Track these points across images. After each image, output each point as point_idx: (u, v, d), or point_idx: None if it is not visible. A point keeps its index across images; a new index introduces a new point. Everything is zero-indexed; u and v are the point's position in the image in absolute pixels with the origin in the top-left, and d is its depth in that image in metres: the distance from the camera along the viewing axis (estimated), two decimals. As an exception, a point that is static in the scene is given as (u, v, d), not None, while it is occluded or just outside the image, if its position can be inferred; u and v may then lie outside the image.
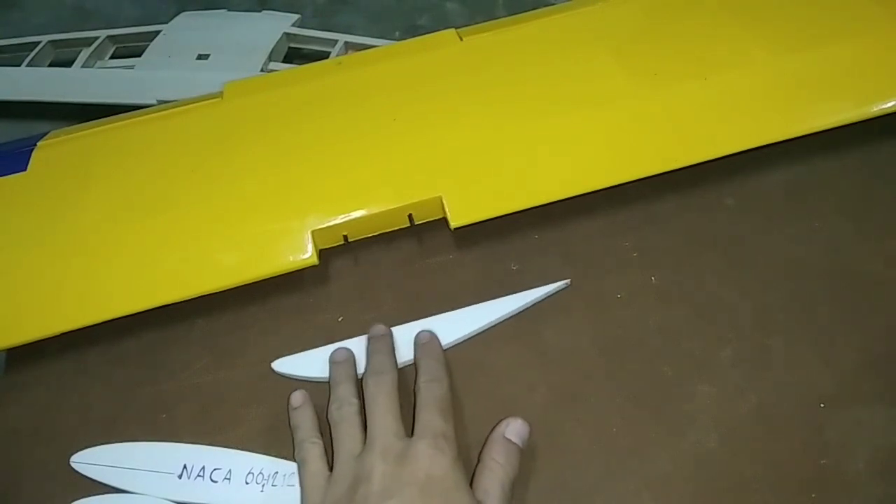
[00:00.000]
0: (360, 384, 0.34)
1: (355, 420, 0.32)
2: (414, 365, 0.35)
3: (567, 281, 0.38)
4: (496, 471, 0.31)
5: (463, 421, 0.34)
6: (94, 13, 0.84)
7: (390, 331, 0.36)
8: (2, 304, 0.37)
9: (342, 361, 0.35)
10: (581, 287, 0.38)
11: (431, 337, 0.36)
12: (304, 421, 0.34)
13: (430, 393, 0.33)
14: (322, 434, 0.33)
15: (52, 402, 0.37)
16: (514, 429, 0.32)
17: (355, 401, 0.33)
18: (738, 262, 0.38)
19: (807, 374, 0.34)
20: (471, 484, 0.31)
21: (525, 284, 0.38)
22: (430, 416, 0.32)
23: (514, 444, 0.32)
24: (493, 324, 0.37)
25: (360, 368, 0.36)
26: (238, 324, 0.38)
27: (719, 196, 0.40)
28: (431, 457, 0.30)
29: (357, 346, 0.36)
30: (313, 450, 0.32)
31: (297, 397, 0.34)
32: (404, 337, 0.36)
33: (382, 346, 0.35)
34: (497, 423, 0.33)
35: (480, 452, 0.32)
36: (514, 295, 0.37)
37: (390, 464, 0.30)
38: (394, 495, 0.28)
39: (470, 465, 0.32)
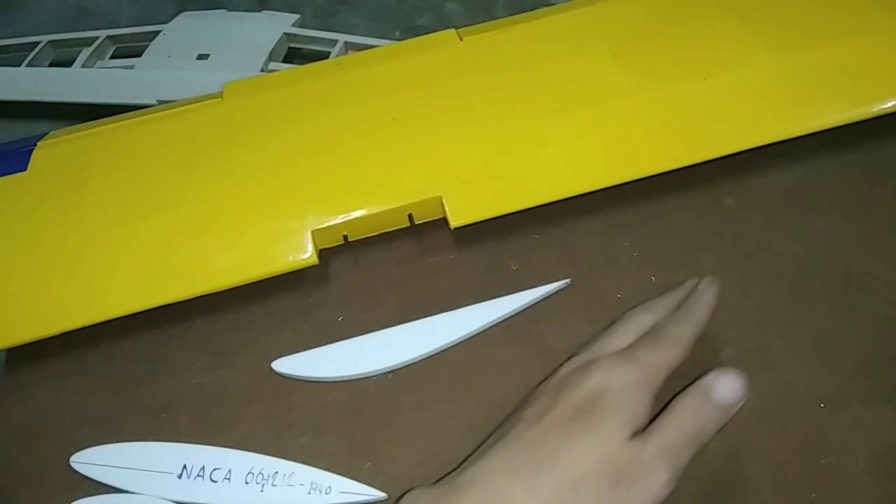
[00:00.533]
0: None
1: (627, 336, 0.30)
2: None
3: (567, 280, 0.38)
4: (696, 434, 0.27)
5: (461, 422, 0.34)
6: (94, 13, 0.84)
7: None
8: (2, 304, 0.37)
9: None
10: (581, 287, 0.38)
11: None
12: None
13: (672, 330, 0.30)
14: None
15: (52, 402, 0.37)
16: (727, 390, 0.28)
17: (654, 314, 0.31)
18: (738, 262, 0.38)
19: (807, 374, 0.34)
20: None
21: (525, 284, 0.38)
22: (647, 343, 0.29)
23: (721, 409, 0.27)
24: (493, 324, 0.37)
25: (364, 367, 0.36)
26: (238, 324, 0.38)
27: (719, 196, 0.40)
28: (607, 368, 0.27)
29: (357, 345, 0.36)
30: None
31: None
32: (404, 336, 0.36)
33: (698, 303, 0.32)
34: (709, 374, 0.28)
35: (676, 404, 0.28)
36: (514, 294, 0.37)
37: (571, 370, 0.28)
38: (553, 403, 0.27)
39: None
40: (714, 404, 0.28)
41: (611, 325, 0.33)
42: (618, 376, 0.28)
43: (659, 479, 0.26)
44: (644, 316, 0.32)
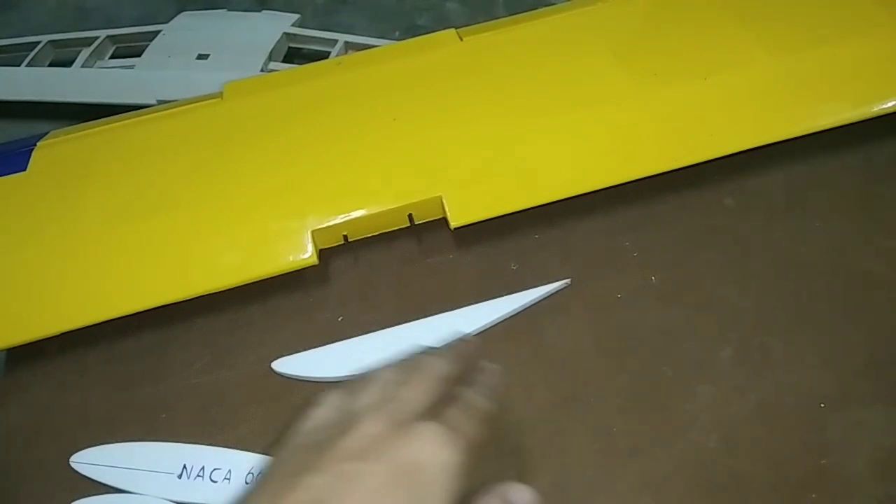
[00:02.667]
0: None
1: (387, 386, 0.28)
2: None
3: (567, 280, 0.38)
4: None
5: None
6: (94, 13, 0.84)
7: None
8: (2, 304, 0.37)
9: None
10: (581, 287, 0.38)
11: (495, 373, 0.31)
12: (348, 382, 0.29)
13: (474, 397, 0.28)
14: None
15: (52, 402, 0.37)
16: (524, 500, 0.27)
17: (397, 374, 0.29)
18: (738, 262, 0.38)
19: (807, 374, 0.34)
20: None
21: (525, 284, 0.38)
22: (460, 414, 0.27)
23: None
24: (493, 323, 0.37)
25: (356, 365, 0.36)
26: (238, 324, 0.38)
27: (719, 196, 0.40)
28: (432, 445, 0.25)
29: (357, 345, 0.36)
30: (334, 397, 0.28)
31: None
32: (404, 336, 0.36)
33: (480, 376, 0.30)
34: (506, 484, 0.28)
35: (477, 495, 0.27)
36: (514, 294, 0.37)
37: (384, 430, 0.25)
38: (363, 460, 0.24)
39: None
40: None
41: (406, 367, 0.29)
42: (441, 455, 0.25)
43: None
44: (443, 367, 0.29)
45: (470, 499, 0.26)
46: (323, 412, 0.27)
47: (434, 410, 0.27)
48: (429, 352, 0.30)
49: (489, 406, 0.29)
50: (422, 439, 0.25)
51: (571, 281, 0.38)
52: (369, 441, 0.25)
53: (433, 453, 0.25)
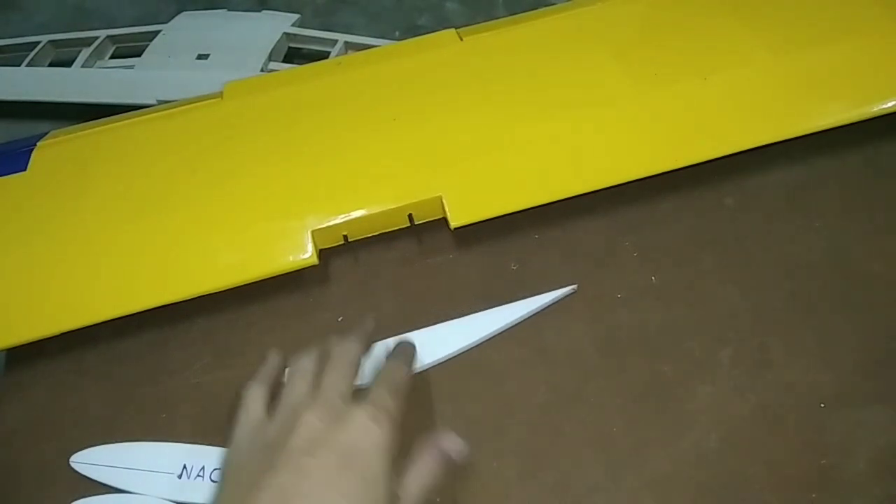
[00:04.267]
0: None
1: (308, 376, 0.31)
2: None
3: (574, 287, 0.37)
4: (426, 476, 0.29)
5: (462, 421, 0.34)
6: (94, 13, 0.84)
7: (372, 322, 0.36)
8: (2, 304, 0.37)
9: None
10: (581, 287, 0.38)
11: (411, 346, 0.35)
12: (263, 368, 0.34)
13: (391, 373, 0.32)
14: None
15: (52, 402, 0.37)
16: (455, 445, 0.31)
17: (314, 363, 0.32)
18: (738, 262, 0.38)
19: (807, 374, 0.34)
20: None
21: (525, 284, 0.38)
22: (381, 392, 0.30)
23: (450, 457, 0.30)
24: (498, 331, 0.37)
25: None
26: (238, 324, 0.38)
27: (719, 196, 0.40)
28: (365, 427, 0.28)
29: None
30: (257, 391, 0.32)
31: (273, 353, 0.35)
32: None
33: (358, 328, 0.35)
34: (435, 434, 0.31)
35: (413, 451, 0.30)
36: (520, 301, 0.37)
37: (323, 422, 0.28)
38: (314, 454, 0.27)
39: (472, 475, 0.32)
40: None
41: (320, 355, 0.33)
42: (374, 436, 0.28)
43: None
44: (353, 348, 0.33)
45: (408, 455, 0.30)
46: (258, 408, 0.31)
47: (359, 392, 0.30)
48: (338, 338, 0.34)
49: (407, 376, 0.32)
50: (356, 424, 0.28)
51: (573, 286, 0.38)
52: (313, 434, 0.28)
53: (368, 436, 0.28)
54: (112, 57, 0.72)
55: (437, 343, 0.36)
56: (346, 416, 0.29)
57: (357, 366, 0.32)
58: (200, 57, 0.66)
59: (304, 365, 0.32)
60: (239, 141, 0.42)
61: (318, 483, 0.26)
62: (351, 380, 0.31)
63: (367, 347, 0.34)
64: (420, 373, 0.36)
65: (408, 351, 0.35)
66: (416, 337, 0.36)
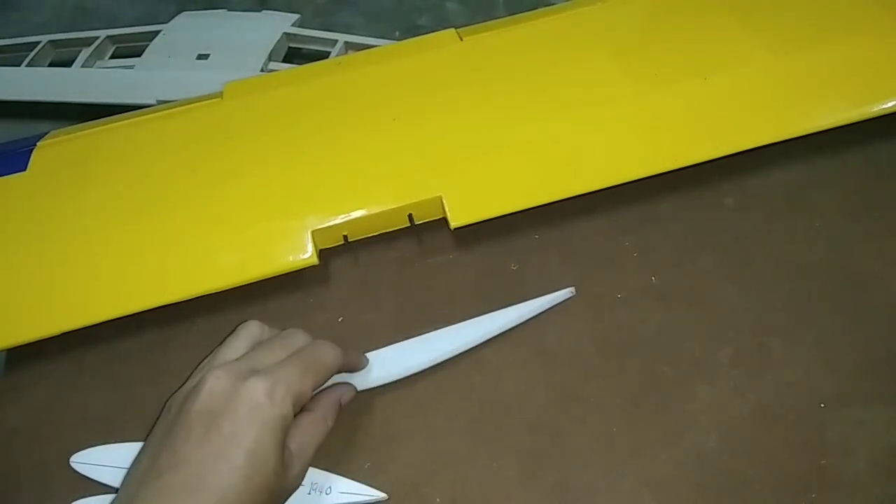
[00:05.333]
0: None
1: (243, 344, 0.32)
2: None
3: (572, 289, 0.37)
4: (320, 430, 0.31)
5: (462, 421, 0.34)
6: (94, 13, 0.84)
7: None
8: (2, 304, 0.37)
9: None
10: (581, 287, 0.38)
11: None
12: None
13: (311, 352, 0.32)
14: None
15: (51, 402, 0.37)
16: (349, 396, 0.33)
17: (259, 331, 0.33)
18: (738, 262, 0.38)
19: (807, 374, 0.34)
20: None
21: (525, 284, 0.38)
22: (290, 367, 0.31)
23: (341, 408, 0.33)
24: (497, 333, 0.37)
25: (365, 381, 0.36)
26: (238, 324, 0.38)
27: (719, 196, 0.40)
28: (258, 400, 0.29)
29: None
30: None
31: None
32: (407, 353, 0.36)
33: (352, 350, 0.35)
34: (332, 386, 0.33)
35: (308, 404, 0.32)
36: (519, 305, 0.37)
37: (223, 389, 0.29)
38: (205, 424, 0.28)
39: (469, 480, 0.32)
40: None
41: (277, 335, 0.33)
42: (266, 404, 0.29)
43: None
44: (300, 339, 0.33)
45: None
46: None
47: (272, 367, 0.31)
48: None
49: (330, 359, 0.32)
50: (251, 396, 0.29)
51: (575, 287, 0.38)
52: (211, 402, 0.29)
53: (259, 410, 0.29)
54: (112, 57, 0.72)
55: (434, 348, 0.36)
56: (244, 387, 0.29)
57: (290, 350, 0.32)
58: (200, 57, 0.67)
59: (251, 330, 0.33)
60: (239, 141, 0.42)
61: (208, 454, 0.28)
62: (277, 357, 0.31)
63: (338, 364, 0.33)
64: (419, 373, 0.36)
65: (336, 361, 0.33)
66: (417, 341, 0.36)
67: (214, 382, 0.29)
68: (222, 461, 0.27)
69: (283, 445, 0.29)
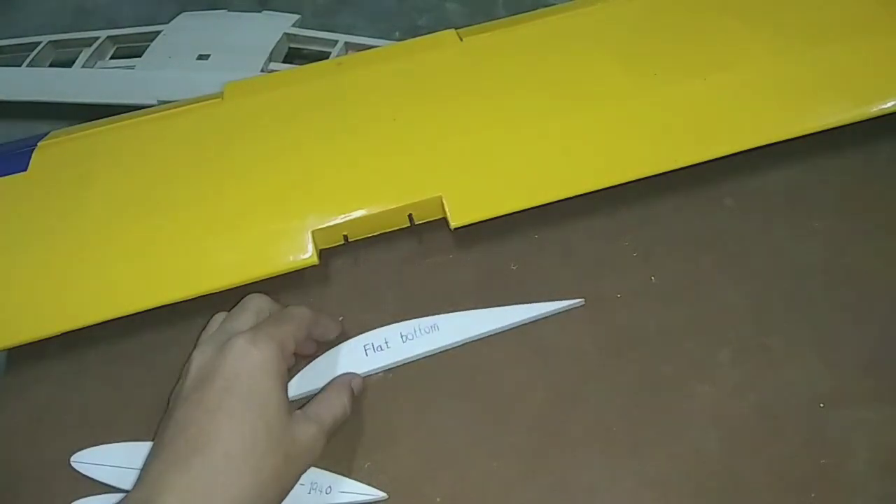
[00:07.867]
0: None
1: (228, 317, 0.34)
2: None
3: (581, 300, 0.37)
4: (338, 409, 0.32)
5: (462, 420, 0.34)
6: (94, 13, 0.84)
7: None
8: (2, 304, 0.37)
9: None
10: (581, 287, 0.38)
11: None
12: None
13: (279, 310, 0.34)
14: None
15: (52, 402, 0.37)
16: (359, 385, 0.34)
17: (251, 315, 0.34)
18: (738, 262, 0.38)
19: (807, 374, 0.34)
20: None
21: (525, 284, 0.38)
22: (270, 323, 0.32)
23: (355, 397, 0.34)
24: (498, 331, 0.37)
25: (364, 367, 0.36)
26: (238, 324, 0.38)
27: (719, 196, 0.40)
28: (243, 350, 0.30)
29: (357, 344, 0.36)
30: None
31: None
32: (407, 331, 0.36)
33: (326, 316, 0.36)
34: (341, 375, 0.35)
35: (325, 387, 0.34)
36: (527, 306, 0.37)
37: (208, 356, 0.31)
38: (200, 388, 0.29)
39: (475, 482, 0.32)
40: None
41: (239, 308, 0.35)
42: (251, 357, 0.30)
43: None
44: (265, 305, 0.34)
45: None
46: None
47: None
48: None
49: (305, 314, 0.34)
50: (234, 350, 0.30)
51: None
52: (201, 372, 0.30)
53: (246, 358, 0.30)
54: (112, 57, 0.72)
55: (438, 332, 0.36)
56: (226, 346, 0.30)
57: (283, 317, 0.33)
58: (201, 57, 0.66)
59: (221, 317, 0.35)
60: (239, 141, 0.42)
61: (206, 410, 0.29)
62: (251, 323, 0.32)
63: (309, 316, 0.34)
64: (419, 373, 0.36)
65: (307, 314, 0.34)
66: (416, 322, 0.37)
67: (199, 357, 0.31)
68: (220, 413, 0.28)
69: (282, 389, 0.30)
